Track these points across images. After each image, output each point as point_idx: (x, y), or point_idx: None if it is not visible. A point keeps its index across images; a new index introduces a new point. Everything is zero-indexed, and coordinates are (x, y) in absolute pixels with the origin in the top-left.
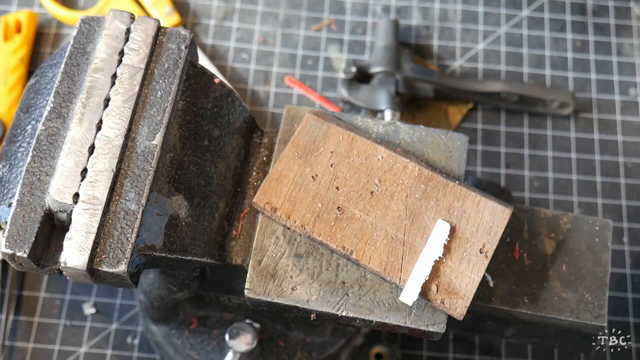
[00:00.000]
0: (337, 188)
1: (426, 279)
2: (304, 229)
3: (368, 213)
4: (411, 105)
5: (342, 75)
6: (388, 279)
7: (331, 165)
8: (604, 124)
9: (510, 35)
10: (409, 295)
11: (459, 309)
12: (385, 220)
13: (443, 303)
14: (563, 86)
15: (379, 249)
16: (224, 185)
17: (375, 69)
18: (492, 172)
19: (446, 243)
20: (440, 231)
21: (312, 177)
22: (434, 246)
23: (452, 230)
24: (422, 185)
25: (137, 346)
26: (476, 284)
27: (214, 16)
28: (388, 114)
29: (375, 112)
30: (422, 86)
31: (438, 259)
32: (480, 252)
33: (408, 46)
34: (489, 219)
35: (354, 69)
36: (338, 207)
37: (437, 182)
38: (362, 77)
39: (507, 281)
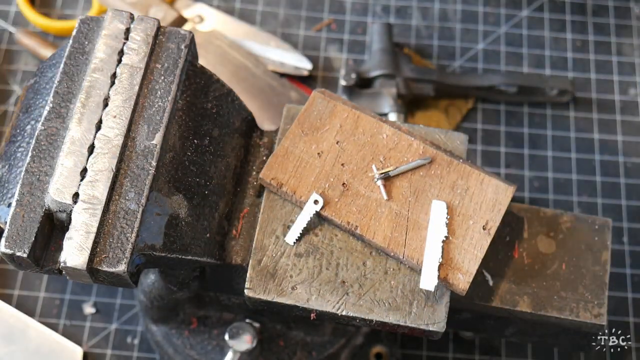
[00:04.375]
0: (342, 165)
1: (440, 260)
2: None
3: (372, 190)
4: (411, 105)
5: (342, 82)
6: (392, 254)
7: (337, 142)
8: (603, 124)
9: (510, 35)
10: (429, 280)
11: (462, 284)
12: (389, 196)
13: (446, 279)
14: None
15: (383, 225)
16: (224, 185)
17: (375, 73)
18: (492, 172)
19: (447, 221)
20: (438, 211)
21: (318, 153)
22: (437, 226)
23: (455, 207)
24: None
25: (137, 346)
26: (479, 261)
27: None
28: (392, 117)
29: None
30: (423, 86)
31: (445, 238)
32: (484, 229)
33: (407, 46)
34: (493, 197)
35: (354, 76)
36: (343, 184)
37: (441, 160)
38: (362, 82)
39: (507, 280)
